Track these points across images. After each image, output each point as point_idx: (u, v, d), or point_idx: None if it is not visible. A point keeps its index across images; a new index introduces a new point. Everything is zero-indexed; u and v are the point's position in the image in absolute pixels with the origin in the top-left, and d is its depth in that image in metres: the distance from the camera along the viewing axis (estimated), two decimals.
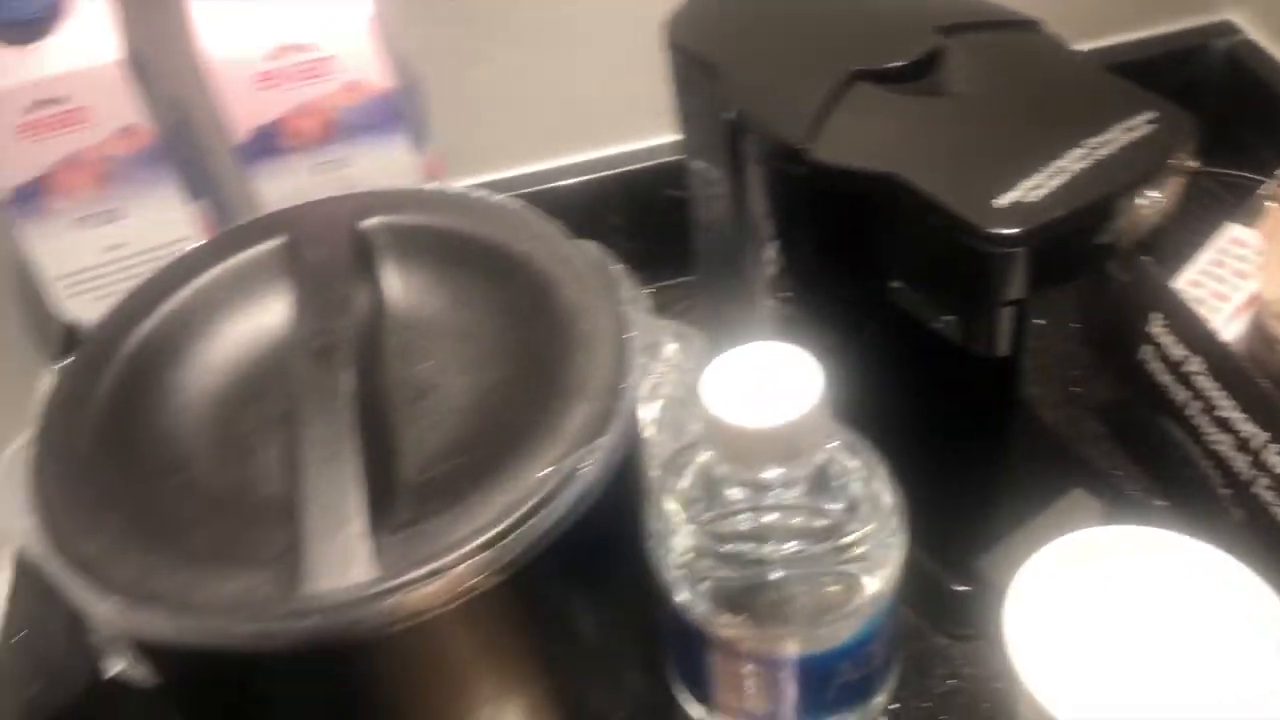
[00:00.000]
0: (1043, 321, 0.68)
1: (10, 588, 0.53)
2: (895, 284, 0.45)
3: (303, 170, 0.55)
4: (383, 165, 0.55)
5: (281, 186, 0.55)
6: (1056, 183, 0.38)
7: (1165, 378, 0.53)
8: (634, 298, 0.69)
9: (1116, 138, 0.40)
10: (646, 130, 0.75)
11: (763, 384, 0.34)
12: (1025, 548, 0.46)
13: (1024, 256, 0.38)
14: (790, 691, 0.38)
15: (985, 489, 0.54)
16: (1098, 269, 0.41)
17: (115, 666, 0.49)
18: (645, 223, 0.76)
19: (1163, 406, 0.54)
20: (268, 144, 0.54)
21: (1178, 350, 0.52)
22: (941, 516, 0.54)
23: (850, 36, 0.47)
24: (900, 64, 0.45)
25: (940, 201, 0.39)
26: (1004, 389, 0.55)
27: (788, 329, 0.53)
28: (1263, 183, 0.62)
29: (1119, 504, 0.55)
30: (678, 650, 0.41)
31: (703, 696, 0.41)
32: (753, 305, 0.55)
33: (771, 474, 0.36)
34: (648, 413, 0.57)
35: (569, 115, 0.74)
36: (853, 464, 0.37)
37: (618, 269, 0.70)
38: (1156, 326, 0.53)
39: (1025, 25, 0.47)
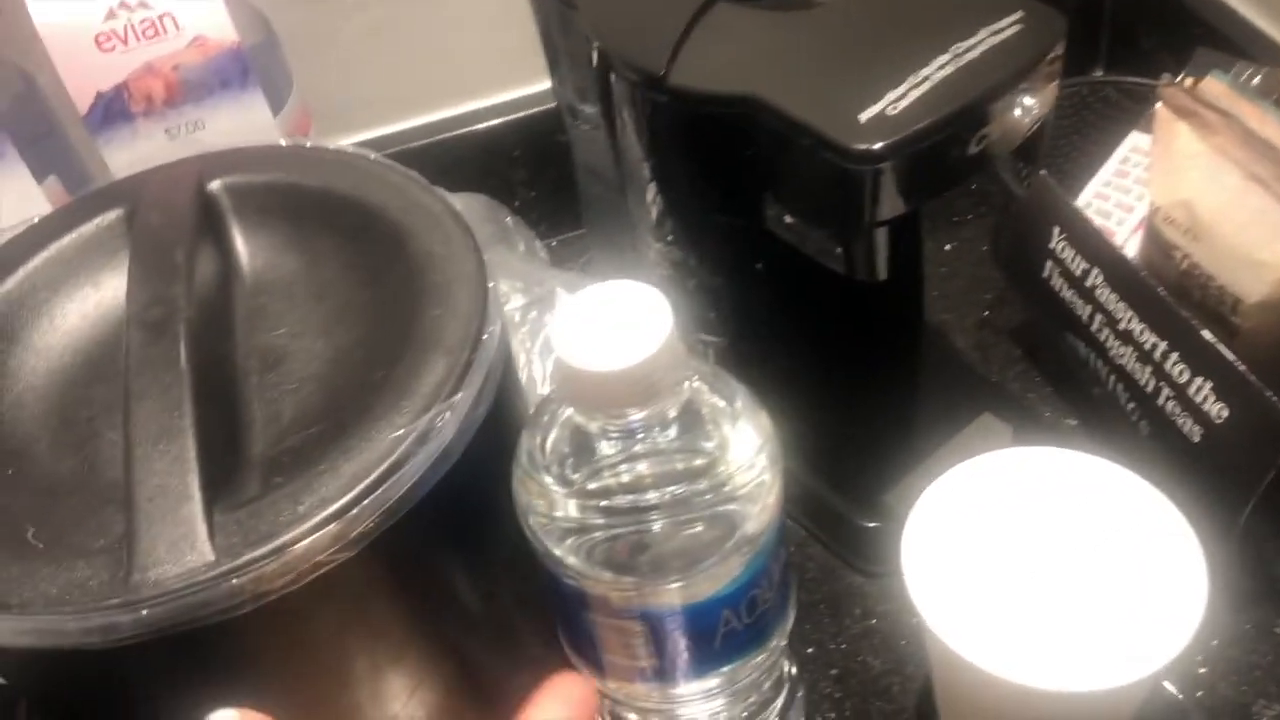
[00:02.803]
0: (951, 246, 0.67)
1: None
2: (771, 214, 0.42)
3: (156, 135, 0.52)
4: (239, 125, 0.52)
5: (135, 154, 0.52)
6: (920, 92, 0.37)
7: (1069, 293, 0.52)
8: (530, 248, 0.67)
9: (983, 41, 0.38)
10: (534, 75, 0.72)
11: (612, 326, 0.32)
12: (932, 478, 0.45)
13: (891, 171, 0.36)
14: (678, 646, 0.36)
15: (891, 422, 0.53)
16: (974, 179, 0.39)
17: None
18: (544, 174, 0.74)
19: (1069, 323, 0.53)
20: (115, 110, 0.51)
21: (1078, 264, 0.51)
22: (849, 453, 0.53)
23: None
24: None
25: (802, 120, 0.37)
26: (904, 317, 0.53)
27: (676, 272, 0.51)
28: None
29: (1029, 426, 0.54)
30: (563, 617, 0.39)
31: (593, 662, 0.39)
32: (641, 250, 0.53)
33: (635, 417, 0.33)
34: (541, 368, 0.54)
35: (452, 64, 0.71)
36: (719, 399, 0.35)
37: (510, 220, 0.68)
38: (1057, 241, 0.52)
39: None
